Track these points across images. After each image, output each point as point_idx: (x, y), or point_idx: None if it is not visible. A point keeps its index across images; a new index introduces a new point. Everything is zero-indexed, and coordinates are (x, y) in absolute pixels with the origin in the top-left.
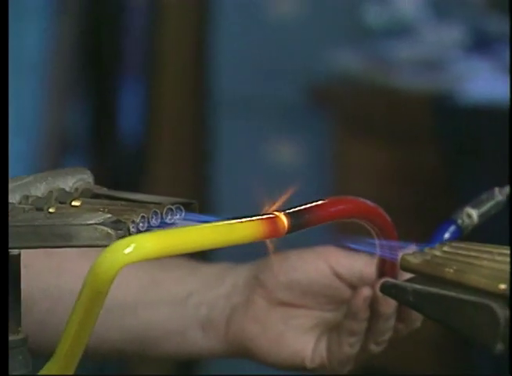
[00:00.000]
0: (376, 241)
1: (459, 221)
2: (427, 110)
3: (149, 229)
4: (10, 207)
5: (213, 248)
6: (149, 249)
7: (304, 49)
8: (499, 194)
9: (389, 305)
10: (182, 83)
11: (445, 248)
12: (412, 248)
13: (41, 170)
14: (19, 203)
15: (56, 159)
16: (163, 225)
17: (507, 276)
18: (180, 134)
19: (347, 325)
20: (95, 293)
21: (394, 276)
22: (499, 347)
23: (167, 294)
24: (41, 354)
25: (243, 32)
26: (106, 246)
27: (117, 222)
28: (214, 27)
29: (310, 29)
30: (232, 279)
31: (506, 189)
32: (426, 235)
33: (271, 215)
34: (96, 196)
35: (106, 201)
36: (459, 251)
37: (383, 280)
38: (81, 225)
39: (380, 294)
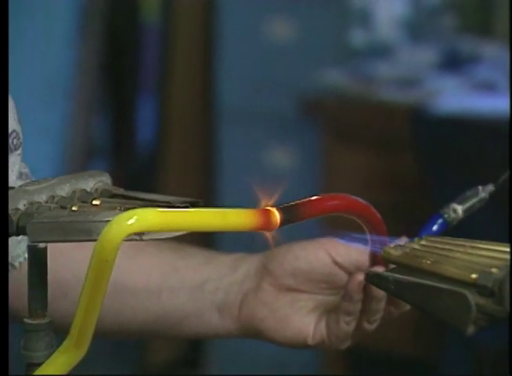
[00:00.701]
0: (366, 236)
1: (446, 215)
2: (405, 121)
3: None
4: (37, 205)
5: (208, 231)
6: (150, 222)
7: (298, 67)
8: (483, 192)
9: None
10: (190, 97)
11: (423, 242)
12: (399, 242)
13: (68, 173)
14: (46, 202)
15: (81, 163)
16: None
17: (478, 267)
18: (187, 141)
19: (344, 306)
20: (103, 261)
21: (386, 264)
22: (471, 329)
23: (187, 281)
24: None
25: (243, 52)
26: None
27: None
28: (218, 48)
29: (302, 49)
30: (244, 268)
31: (489, 188)
32: (404, 232)
33: (264, 209)
34: (114, 196)
35: (122, 200)
36: (436, 245)
37: (368, 270)
38: (101, 221)
39: None
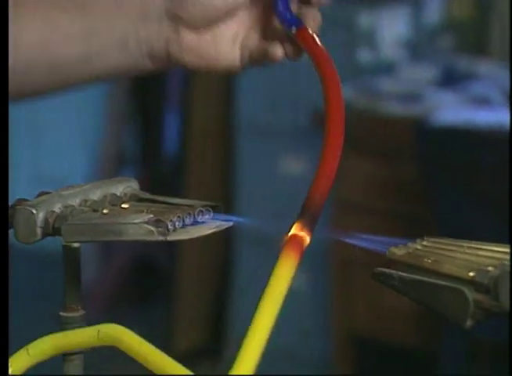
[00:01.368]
0: (372, 237)
1: None
2: (407, 132)
3: (184, 226)
4: (71, 208)
5: None
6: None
7: (309, 84)
8: None
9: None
10: (211, 111)
11: (424, 243)
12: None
13: (102, 180)
14: (79, 205)
15: (113, 171)
16: (195, 223)
17: (476, 265)
18: (208, 151)
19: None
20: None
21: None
22: (469, 323)
23: (108, 44)
24: None
25: (259, 71)
26: (149, 240)
27: (158, 221)
28: None
29: (312, 66)
30: (154, 16)
31: None
32: (404, 234)
33: (300, 246)
34: (141, 200)
35: (149, 204)
36: (436, 245)
37: (375, 270)
38: (129, 223)
39: None
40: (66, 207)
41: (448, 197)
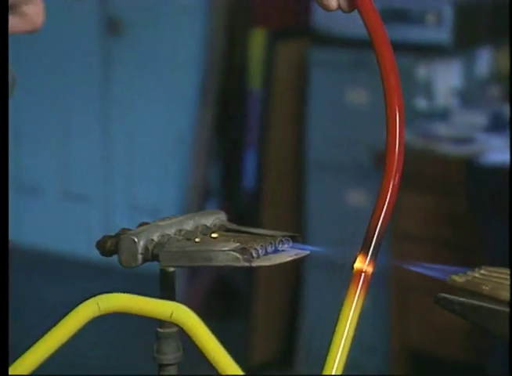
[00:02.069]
0: (434, 265)
1: None
2: (459, 171)
3: (266, 254)
4: (168, 237)
5: None
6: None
7: (371, 127)
8: None
9: None
10: (284, 150)
11: (482, 271)
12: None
13: (189, 210)
14: (175, 234)
15: (199, 203)
16: (276, 251)
17: None
18: (283, 186)
19: None
20: None
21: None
22: None
23: None
24: None
25: (327, 114)
26: (235, 266)
27: (244, 249)
28: (308, 111)
29: (375, 113)
30: None
31: None
32: (455, 262)
33: (365, 282)
34: (228, 230)
35: (235, 234)
36: (493, 274)
37: (438, 295)
38: (219, 250)
39: None
40: (163, 236)
41: (495, 229)
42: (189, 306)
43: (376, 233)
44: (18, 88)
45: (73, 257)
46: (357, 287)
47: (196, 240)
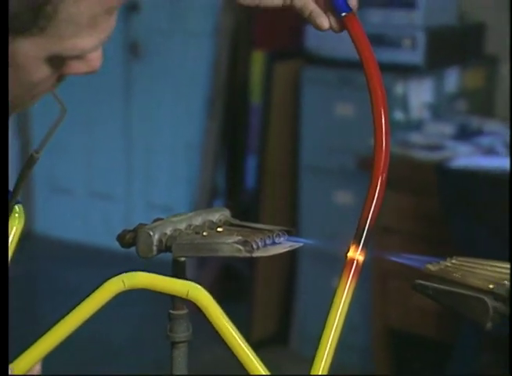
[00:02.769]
0: (413, 256)
1: None
2: (431, 174)
3: (265, 246)
4: (179, 231)
5: None
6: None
7: (356, 136)
8: None
9: None
10: (281, 156)
11: (453, 261)
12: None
13: (198, 208)
14: (185, 229)
15: (206, 202)
16: (273, 243)
17: (494, 279)
18: (279, 187)
19: None
20: None
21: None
22: (489, 325)
23: None
24: None
25: (318, 125)
26: (238, 257)
27: (245, 241)
28: (302, 122)
29: (359, 124)
30: None
31: None
32: (427, 252)
33: (357, 268)
34: (232, 225)
35: (238, 228)
36: (463, 263)
37: (414, 282)
38: (223, 243)
39: None
40: (175, 230)
41: (462, 224)
42: None
43: (367, 226)
44: (52, 102)
45: (97, 247)
46: (349, 274)
47: (204, 233)
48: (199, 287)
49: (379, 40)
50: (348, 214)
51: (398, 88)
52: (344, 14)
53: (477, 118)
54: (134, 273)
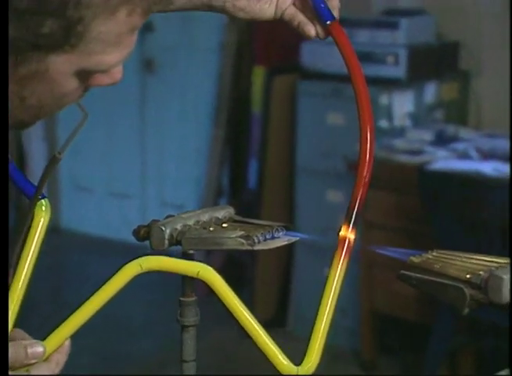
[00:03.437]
0: (398, 250)
1: None
2: (413, 175)
3: (265, 240)
4: (188, 227)
5: None
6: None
7: (345, 142)
8: None
9: None
10: (279, 159)
11: (434, 254)
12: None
13: (205, 207)
14: (194, 224)
15: (213, 200)
16: (273, 238)
17: (471, 270)
18: (278, 187)
19: None
20: None
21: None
22: (466, 310)
23: None
24: None
25: (312, 132)
26: (241, 250)
27: (247, 236)
28: (298, 130)
29: (348, 131)
30: None
31: None
32: (409, 246)
33: (349, 247)
34: (235, 221)
35: (241, 224)
36: (443, 256)
37: (399, 272)
38: (228, 237)
39: None
40: (184, 225)
41: (441, 220)
42: None
43: (356, 206)
44: (75, 109)
45: (115, 241)
46: (342, 251)
47: (211, 229)
48: (208, 267)
49: (366, 57)
50: (339, 211)
51: (383, 100)
52: (328, 22)
53: (452, 126)
54: (150, 257)
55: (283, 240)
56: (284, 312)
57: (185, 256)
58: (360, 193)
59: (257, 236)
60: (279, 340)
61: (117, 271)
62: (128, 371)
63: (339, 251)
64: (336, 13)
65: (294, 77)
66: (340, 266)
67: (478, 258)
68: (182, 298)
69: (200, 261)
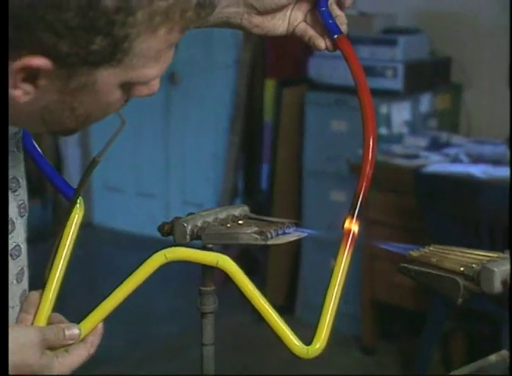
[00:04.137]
0: (399, 244)
1: None
2: (409, 177)
3: (277, 235)
4: (208, 223)
5: None
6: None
7: (348, 147)
8: None
9: None
10: (288, 162)
11: (431, 248)
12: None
13: (222, 205)
14: (213, 221)
15: (229, 199)
16: (284, 233)
17: (465, 263)
18: (287, 187)
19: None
20: None
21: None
22: (460, 301)
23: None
24: None
25: (318, 138)
26: (255, 244)
27: (261, 232)
28: (305, 136)
29: (351, 137)
30: (235, 3)
31: None
32: (407, 241)
33: (353, 238)
34: (250, 218)
35: (255, 221)
36: (439, 250)
37: (399, 265)
38: (243, 233)
39: None
40: (204, 222)
41: (434, 217)
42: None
43: (360, 199)
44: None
45: (142, 235)
46: (348, 242)
47: (228, 225)
48: (227, 257)
49: (367, 71)
50: (342, 209)
51: (383, 109)
52: (336, 36)
53: (445, 134)
54: (174, 248)
55: (293, 235)
56: (293, 300)
57: (205, 250)
58: (363, 189)
59: (270, 231)
60: (289, 324)
61: (144, 261)
62: (152, 352)
63: (344, 241)
64: (344, 28)
65: (302, 88)
66: (345, 255)
67: (471, 252)
68: (201, 288)
69: (219, 252)
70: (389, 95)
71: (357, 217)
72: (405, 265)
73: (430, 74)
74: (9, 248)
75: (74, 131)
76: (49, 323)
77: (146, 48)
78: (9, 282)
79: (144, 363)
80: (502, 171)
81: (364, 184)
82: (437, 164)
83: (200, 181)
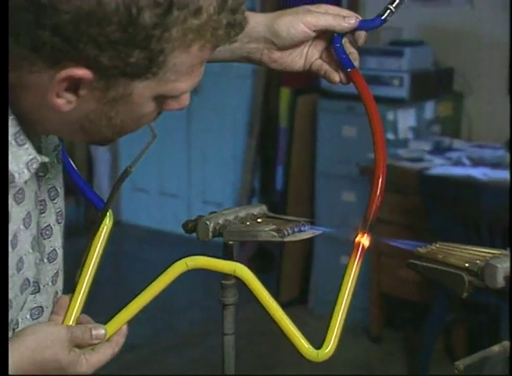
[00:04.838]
0: (407, 241)
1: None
2: (415, 179)
3: (293, 232)
4: (228, 221)
5: None
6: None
7: (358, 151)
8: None
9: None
10: (302, 164)
11: (437, 245)
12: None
13: (242, 205)
14: (233, 219)
15: (247, 199)
16: (299, 231)
17: (469, 259)
18: (301, 188)
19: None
20: None
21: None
22: (465, 295)
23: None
24: None
25: (329, 142)
26: (273, 241)
27: (278, 229)
28: (317, 140)
29: (360, 141)
30: (261, 38)
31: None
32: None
33: (363, 251)
34: (268, 217)
35: (273, 219)
36: (445, 247)
37: (408, 261)
38: (262, 230)
39: None
40: (225, 220)
41: (438, 216)
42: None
43: (371, 217)
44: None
45: (167, 232)
46: (357, 255)
47: (247, 223)
48: (243, 266)
49: (375, 80)
50: (352, 209)
51: (390, 116)
52: (349, 70)
53: (447, 138)
54: (194, 257)
55: (308, 233)
56: (306, 293)
57: (226, 246)
58: (374, 207)
59: (286, 229)
60: (302, 316)
61: (166, 267)
62: (175, 340)
63: (354, 254)
64: (356, 63)
65: (315, 96)
66: (355, 266)
67: (475, 249)
68: (223, 281)
69: (237, 261)
70: (395, 103)
71: (369, 232)
72: (414, 261)
73: (433, 83)
74: (47, 252)
75: (110, 140)
76: (77, 323)
77: (180, 63)
78: (45, 283)
79: (168, 350)
80: (501, 174)
81: (374, 203)
82: (440, 167)
83: (219, 181)
